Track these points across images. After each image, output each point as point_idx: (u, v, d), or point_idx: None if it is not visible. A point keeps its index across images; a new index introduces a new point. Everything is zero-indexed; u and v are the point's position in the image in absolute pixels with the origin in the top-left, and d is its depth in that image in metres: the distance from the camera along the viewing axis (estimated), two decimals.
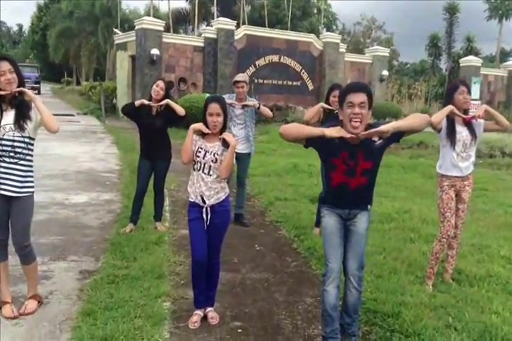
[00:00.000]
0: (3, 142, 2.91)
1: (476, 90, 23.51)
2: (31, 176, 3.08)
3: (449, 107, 3.64)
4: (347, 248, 2.88)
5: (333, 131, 2.64)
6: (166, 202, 6.30)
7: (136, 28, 15.27)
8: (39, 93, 27.32)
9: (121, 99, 16.81)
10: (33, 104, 3.00)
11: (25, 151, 2.99)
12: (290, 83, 18.54)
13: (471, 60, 23.51)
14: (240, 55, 17.10)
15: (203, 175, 3.06)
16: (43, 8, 43.91)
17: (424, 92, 29.61)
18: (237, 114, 5.33)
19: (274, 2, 25.56)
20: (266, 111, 5.41)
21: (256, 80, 17.58)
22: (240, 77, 5.28)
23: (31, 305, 3.14)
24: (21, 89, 2.94)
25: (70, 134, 11.77)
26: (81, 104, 20.78)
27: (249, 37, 17.29)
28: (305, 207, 6.23)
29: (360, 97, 2.60)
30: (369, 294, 3.57)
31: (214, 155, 3.06)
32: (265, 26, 20.37)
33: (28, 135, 2.97)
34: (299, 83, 18.81)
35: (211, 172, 3.06)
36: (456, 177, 3.77)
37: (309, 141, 2.72)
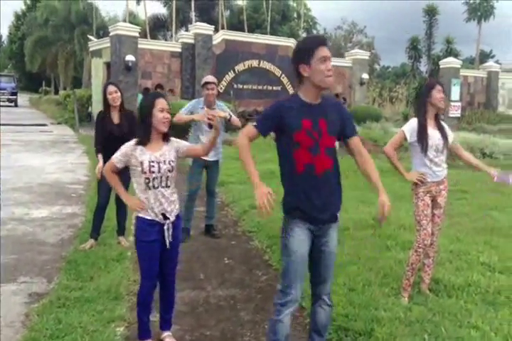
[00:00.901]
0: None
1: (456, 92, 23.64)
2: None
3: (409, 177, 3.53)
4: (318, 270, 2.56)
5: None
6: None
7: (111, 34, 14.97)
8: (16, 105, 26.59)
9: (96, 107, 16.41)
10: None
11: None
12: (270, 88, 18.36)
13: (450, 62, 23.61)
14: (219, 60, 16.88)
15: (163, 189, 2.74)
16: (20, 16, 43.30)
17: (405, 95, 29.75)
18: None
19: (253, 7, 25.45)
20: (236, 121, 5.12)
21: (235, 85, 17.37)
22: (210, 78, 5.02)
23: None
24: None
25: (39, 145, 11.41)
26: (56, 114, 20.30)
27: (228, 42, 17.09)
28: (280, 215, 5.96)
29: (328, 51, 2.37)
30: (341, 309, 3.34)
31: (169, 163, 2.74)
32: (244, 31, 20.21)
33: None
34: (279, 88, 18.64)
35: (169, 183, 2.77)
36: (431, 182, 3.56)
37: (264, 128, 2.45)
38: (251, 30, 20.57)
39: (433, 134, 3.49)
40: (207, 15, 23.15)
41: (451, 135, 3.60)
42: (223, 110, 5.03)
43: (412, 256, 3.60)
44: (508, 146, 12.18)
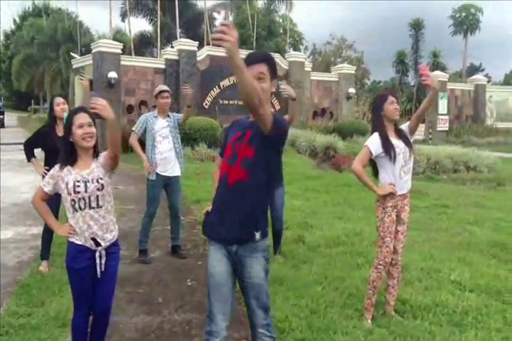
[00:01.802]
0: None
1: (443, 105, 23.77)
2: None
3: (381, 191, 3.38)
4: (248, 302, 2.37)
5: None
6: None
7: (93, 51, 14.92)
8: (3, 125, 26.09)
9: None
10: None
11: None
12: None
13: (437, 75, 23.71)
14: (203, 76, 16.86)
15: (91, 211, 2.56)
16: (10, 35, 43.49)
17: None
18: (160, 127, 4.84)
19: (239, 23, 25.61)
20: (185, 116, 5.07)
21: (221, 101, 17.33)
22: (164, 87, 4.93)
23: None
24: None
25: (18, 163, 11.24)
26: None
27: (213, 57, 17.09)
28: None
29: (257, 68, 2.22)
30: (298, 334, 3.19)
31: (97, 181, 2.56)
32: None
33: None
34: None
35: (100, 203, 2.58)
36: (398, 195, 3.44)
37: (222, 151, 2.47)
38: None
39: (397, 143, 3.39)
40: (193, 32, 23.27)
41: (408, 135, 3.49)
42: (178, 119, 4.94)
43: (372, 273, 3.46)
44: (492, 159, 12.13)
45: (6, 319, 3.36)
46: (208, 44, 20.29)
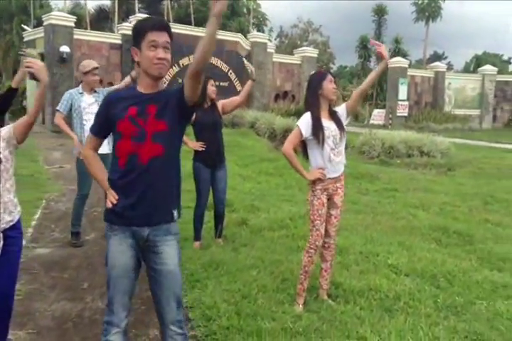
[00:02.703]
0: None
1: (403, 91, 24.05)
2: None
3: (311, 176, 3.28)
4: (157, 294, 2.18)
5: None
6: (36, 215, 5.58)
7: (44, 23, 14.17)
8: None
9: (31, 101, 15.59)
10: None
11: None
12: (217, 83, 17.73)
13: (398, 61, 23.97)
14: None
15: None
16: None
17: None
18: (87, 104, 4.55)
19: (201, 0, 24.93)
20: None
21: (180, 80, 16.87)
22: (94, 62, 4.61)
23: None
24: None
25: None
26: None
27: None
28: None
29: (164, 37, 2.08)
30: (225, 321, 3.05)
31: None
32: (191, 24, 19.71)
33: None
34: (226, 84, 18.31)
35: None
36: (329, 179, 3.32)
37: (97, 129, 2.23)
38: (199, 24, 20.11)
39: (328, 125, 3.25)
40: (153, 8, 22.51)
41: (344, 119, 3.37)
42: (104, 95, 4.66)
43: (304, 258, 3.36)
44: (445, 145, 12.31)
45: None
46: (168, 21, 19.68)
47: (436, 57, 52.77)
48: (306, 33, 51.99)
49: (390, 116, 23.33)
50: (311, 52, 21.88)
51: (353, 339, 2.88)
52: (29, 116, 2.41)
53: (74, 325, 3.10)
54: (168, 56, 2.11)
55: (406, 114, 24.12)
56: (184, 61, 17.04)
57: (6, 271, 2.45)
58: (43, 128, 14.54)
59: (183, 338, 2.23)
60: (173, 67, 16.74)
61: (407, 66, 24.45)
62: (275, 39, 51.05)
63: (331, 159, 3.27)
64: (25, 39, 16.56)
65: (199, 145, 4.38)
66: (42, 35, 14.60)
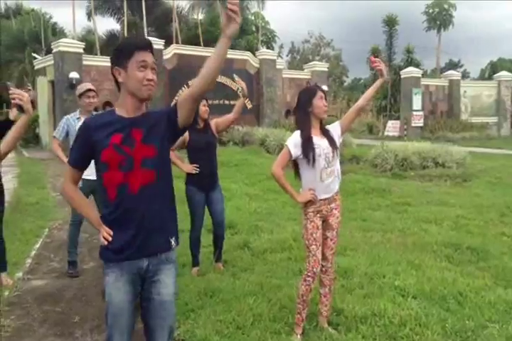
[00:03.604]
0: None
1: (417, 101, 23.74)
2: None
3: (301, 199, 3.11)
4: (148, 324, 2.11)
5: None
6: (37, 245, 5.51)
7: (54, 51, 14.45)
8: None
9: (43, 128, 15.81)
10: None
11: None
12: (227, 102, 18.00)
13: (411, 72, 23.77)
14: (171, 75, 16.49)
15: None
16: None
17: (372, 106, 29.84)
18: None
19: (210, 20, 25.20)
20: None
21: None
22: (90, 85, 4.56)
23: None
24: None
25: None
26: None
27: (180, 56, 16.74)
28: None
29: (151, 57, 2.00)
30: None
31: None
32: (200, 45, 19.89)
33: None
34: (236, 102, 18.28)
35: None
36: (322, 200, 3.15)
37: (75, 158, 2.09)
38: (208, 44, 20.28)
39: (320, 143, 3.09)
40: (162, 30, 22.82)
41: (338, 137, 3.20)
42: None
43: (301, 286, 3.17)
44: (461, 154, 11.97)
45: None
46: (177, 42, 19.92)
47: (452, 65, 52.26)
48: (318, 47, 52.24)
49: (405, 127, 22.98)
50: (321, 66, 21.83)
51: None
52: (5, 146, 2.36)
53: None
54: (155, 77, 2.02)
55: (421, 124, 23.75)
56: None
57: None
58: (52, 155, 14.69)
59: None
60: (183, 88, 16.83)
61: (420, 76, 24.20)
62: (287, 55, 51.38)
63: (323, 179, 3.10)
64: (36, 67, 16.91)
65: (192, 168, 4.27)
66: (52, 62, 14.87)
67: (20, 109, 2.37)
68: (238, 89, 4.48)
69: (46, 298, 3.99)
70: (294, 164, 3.23)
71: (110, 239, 2.01)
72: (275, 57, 19.93)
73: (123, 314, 2.05)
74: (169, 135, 2.05)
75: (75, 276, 4.46)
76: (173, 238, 2.11)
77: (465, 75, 45.25)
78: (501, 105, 26.00)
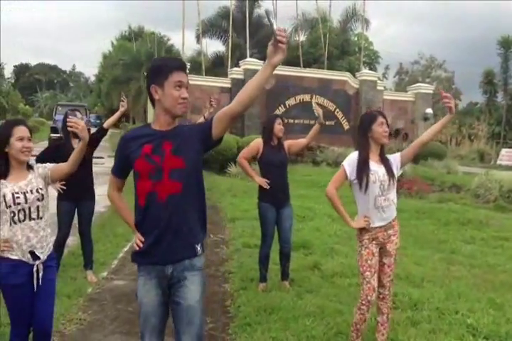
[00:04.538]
0: None
1: None
2: None
3: (356, 225, 3.09)
4: (176, 327, 2.20)
5: None
6: (125, 248, 5.94)
7: None
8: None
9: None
10: None
11: None
12: (325, 122, 17.98)
13: None
14: (269, 95, 16.94)
15: (32, 222, 2.52)
16: (107, 57, 46.78)
17: (485, 132, 27.93)
18: None
19: (310, 41, 25.55)
20: None
21: (286, 120, 17.21)
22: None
23: None
24: None
25: None
26: None
27: (278, 76, 17.12)
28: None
29: (186, 77, 2.14)
30: None
31: (37, 191, 2.54)
32: (300, 66, 20.24)
33: None
34: (332, 122, 18.26)
35: (40, 214, 2.55)
36: (376, 227, 3.07)
37: (119, 171, 2.28)
38: (308, 65, 20.58)
39: (377, 169, 3.02)
40: (264, 52, 23.36)
41: (396, 168, 3.09)
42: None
43: (355, 314, 3.10)
44: None
45: None
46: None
47: None
48: (429, 69, 50.32)
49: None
50: (426, 88, 21.02)
51: None
52: (68, 166, 2.62)
53: None
54: (188, 95, 2.16)
55: None
56: (290, 101, 17.45)
57: (46, 303, 2.60)
58: None
59: None
60: (280, 108, 17.20)
61: None
62: (394, 76, 50.17)
63: (377, 206, 3.02)
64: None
65: (264, 182, 4.34)
66: None
67: (76, 136, 2.59)
68: (317, 115, 4.50)
69: (122, 297, 4.29)
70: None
71: (141, 245, 2.16)
72: (376, 79, 19.61)
73: (152, 315, 2.19)
74: (202, 147, 2.15)
75: None
76: (199, 245, 2.18)
77: None
78: None
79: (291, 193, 4.59)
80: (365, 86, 18.91)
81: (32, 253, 2.52)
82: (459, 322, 3.68)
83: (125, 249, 5.93)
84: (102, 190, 8.40)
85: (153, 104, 2.19)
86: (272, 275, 4.69)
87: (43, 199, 2.56)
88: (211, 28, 26.50)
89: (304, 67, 20.22)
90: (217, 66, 25.41)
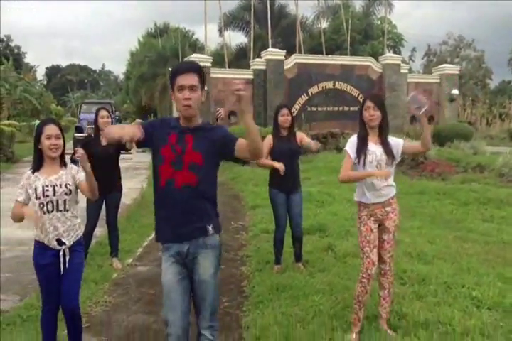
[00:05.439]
0: None
1: None
2: None
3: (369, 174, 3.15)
4: (194, 302, 2.44)
5: None
6: (150, 237, 6.24)
7: None
8: None
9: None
10: None
11: None
12: (347, 109, 17.97)
13: None
14: (291, 84, 17.01)
15: (59, 214, 2.79)
16: (134, 55, 47.42)
17: None
18: None
19: (333, 28, 25.34)
20: None
21: (309, 108, 17.33)
22: None
23: None
24: None
25: None
26: None
27: (300, 65, 17.18)
28: (286, 238, 5.77)
29: (190, 79, 2.31)
30: None
31: (66, 186, 2.80)
32: (322, 53, 20.17)
33: None
34: (356, 108, 18.12)
35: (67, 207, 2.82)
36: (374, 204, 3.22)
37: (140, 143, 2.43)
38: (330, 52, 20.46)
39: (374, 149, 3.17)
40: (288, 41, 23.61)
41: (396, 151, 3.21)
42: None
43: (356, 287, 3.27)
44: None
45: (18, 311, 3.77)
46: (300, 52, 20.44)
47: None
48: (457, 49, 48.91)
49: None
50: (452, 69, 20.58)
51: None
52: (86, 194, 2.91)
53: (140, 335, 3.46)
54: (195, 95, 2.31)
55: None
56: (313, 90, 17.46)
57: (71, 283, 2.86)
58: None
59: None
60: (302, 96, 17.25)
61: None
62: (422, 58, 48.98)
63: (374, 185, 3.17)
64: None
65: (282, 166, 4.41)
66: None
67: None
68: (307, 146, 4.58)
69: (145, 281, 4.59)
70: None
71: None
72: (399, 62, 19.33)
73: (172, 292, 2.38)
74: (219, 158, 2.42)
75: None
76: (211, 225, 2.40)
77: None
78: None
79: (312, 181, 4.75)
80: (388, 70, 18.69)
81: (58, 241, 2.80)
82: (463, 295, 3.80)
83: (150, 238, 6.22)
84: (130, 184, 8.97)
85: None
86: (286, 257, 4.90)
87: (70, 193, 2.83)
88: (233, 20, 26.68)
89: (327, 54, 20.13)
90: (240, 58, 25.56)
